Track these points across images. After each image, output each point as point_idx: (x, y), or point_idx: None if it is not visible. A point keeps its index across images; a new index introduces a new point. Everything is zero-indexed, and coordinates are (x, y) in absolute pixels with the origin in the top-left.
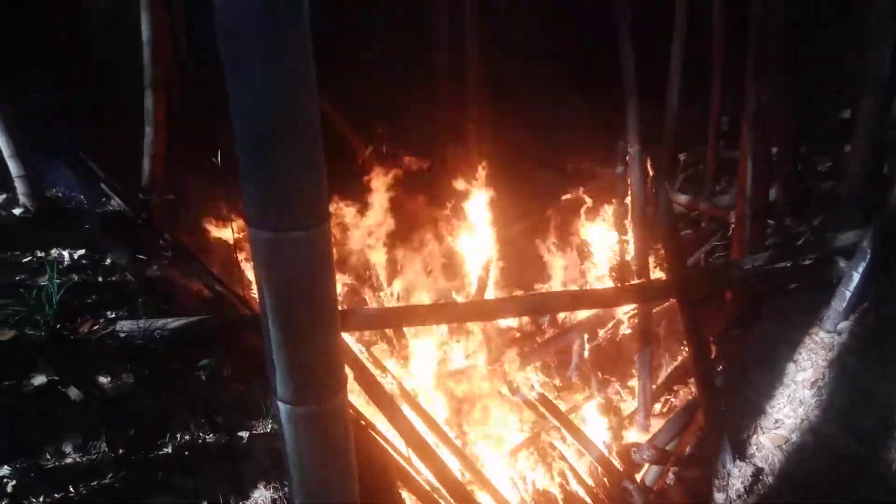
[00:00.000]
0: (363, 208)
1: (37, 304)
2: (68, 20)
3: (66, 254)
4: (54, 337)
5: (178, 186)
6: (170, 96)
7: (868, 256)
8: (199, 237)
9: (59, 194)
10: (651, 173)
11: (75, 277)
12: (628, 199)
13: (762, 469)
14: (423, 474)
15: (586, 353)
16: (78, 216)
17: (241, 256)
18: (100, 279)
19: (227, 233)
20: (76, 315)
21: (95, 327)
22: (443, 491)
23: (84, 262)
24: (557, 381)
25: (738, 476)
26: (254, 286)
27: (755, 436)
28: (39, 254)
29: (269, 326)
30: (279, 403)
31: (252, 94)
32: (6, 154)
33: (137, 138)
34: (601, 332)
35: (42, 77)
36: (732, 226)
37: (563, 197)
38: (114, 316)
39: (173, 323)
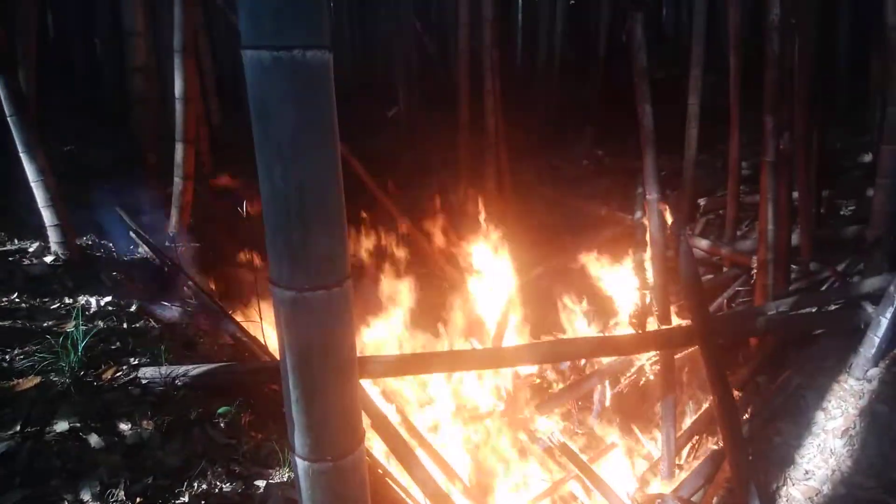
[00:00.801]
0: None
1: (62, 351)
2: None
3: (93, 301)
4: (78, 383)
5: (204, 236)
6: (199, 150)
7: None
8: (222, 285)
9: (90, 242)
10: (670, 220)
11: (101, 324)
12: (647, 243)
13: None
14: None
15: (608, 400)
16: (106, 264)
17: (262, 305)
18: (124, 325)
19: (249, 280)
20: (100, 361)
21: (118, 374)
22: None
23: (110, 308)
24: (579, 429)
25: None
26: (274, 335)
27: (785, 487)
28: (67, 300)
29: (288, 383)
30: (297, 459)
31: (279, 161)
32: (41, 203)
33: (167, 190)
34: (623, 379)
35: (94, 134)
36: (755, 271)
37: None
38: (136, 363)
39: (194, 370)
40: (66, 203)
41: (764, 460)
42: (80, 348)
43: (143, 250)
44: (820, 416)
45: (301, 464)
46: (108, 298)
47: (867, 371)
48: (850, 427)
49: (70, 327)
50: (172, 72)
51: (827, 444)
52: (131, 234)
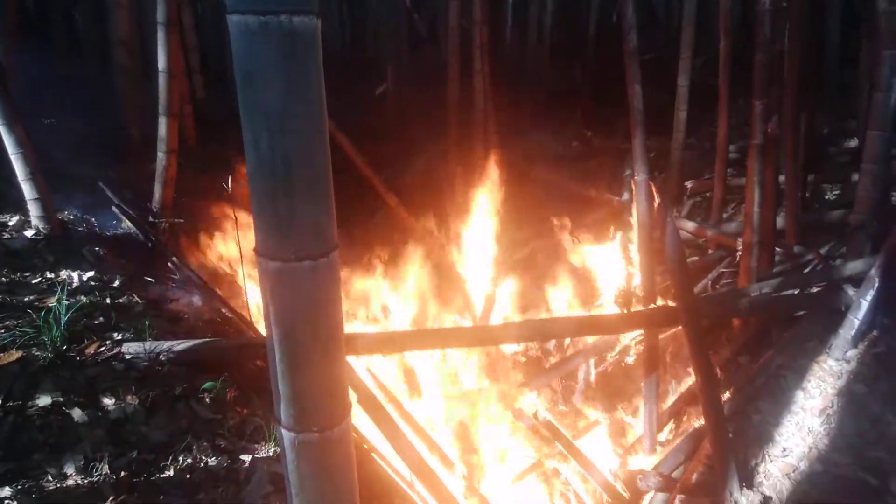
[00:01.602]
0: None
1: (44, 326)
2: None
3: (75, 276)
4: (60, 358)
5: (188, 211)
6: (183, 125)
7: (876, 285)
8: (207, 260)
9: (72, 217)
10: (657, 200)
11: (83, 299)
12: (634, 225)
13: (770, 498)
14: (426, 500)
15: (592, 379)
16: (89, 239)
17: (247, 280)
18: (107, 301)
19: (234, 255)
20: (83, 336)
21: (102, 349)
22: None
23: (93, 283)
24: (563, 407)
25: None
26: (260, 309)
27: (763, 464)
28: (49, 275)
29: (274, 354)
30: (283, 430)
31: (266, 130)
32: (21, 177)
33: (150, 166)
34: (608, 358)
35: (75, 108)
36: (739, 253)
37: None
38: (120, 338)
39: (179, 345)
40: (46, 177)
41: (743, 438)
42: (62, 323)
43: (127, 225)
44: (799, 395)
45: (287, 435)
46: (91, 273)
47: (846, 352)
48: (828, 406)
49: (52, 302)
50: (156, 46)
51: (805, 422)
52: (114, 208)
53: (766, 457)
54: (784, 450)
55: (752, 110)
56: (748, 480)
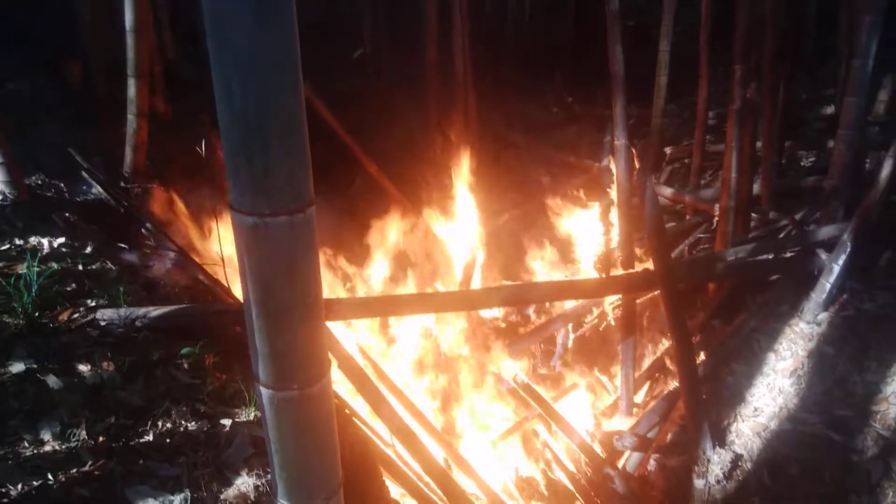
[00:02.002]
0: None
1: (14, 292)
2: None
3: (45, 242)
4: (33, 325)
5: (160, 176)
6: (154, 86)
7: (848, 250)
8: (181, 226)
9: (39, 182)
10: (637, 165)
11: (55, 265)
12: (614, 191)
13: (741, 456)
14: (407, 461)
15: (570, 343)
16: (58, 205)
17: (223, 245)
18: (80, 267)
19: (209, 221)
20: (55, 303)
21: (75, 315)
22: (426, 478)
23: (64, 250)
24: (542, 371)
25: (717, 462)
26: (236, 276)
27: (735, 423)
28: (18, 242)
29: (251, 311)
30: (261, 388)
31: (237, 74)
32: None
33: (121, 129)
34: (586, 321)
35: (33, 69)
36: (716, 218)
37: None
38: (94, 304)
39: (154, 311)
40: (10, 141)
41: (717, 399)
42: (33, 290)
43: (98, 191)
44: (771, 357)
45: (266, 392)
46: (62, 240)
47: (817, 315)
48: (798, 367)
49: (22, 269)
50: (122, 1)
51: (776, 383)
52: (84, 173)
53: (738, 417)
54: (755, 410)
55: (732, 75)
56: (720, 439)
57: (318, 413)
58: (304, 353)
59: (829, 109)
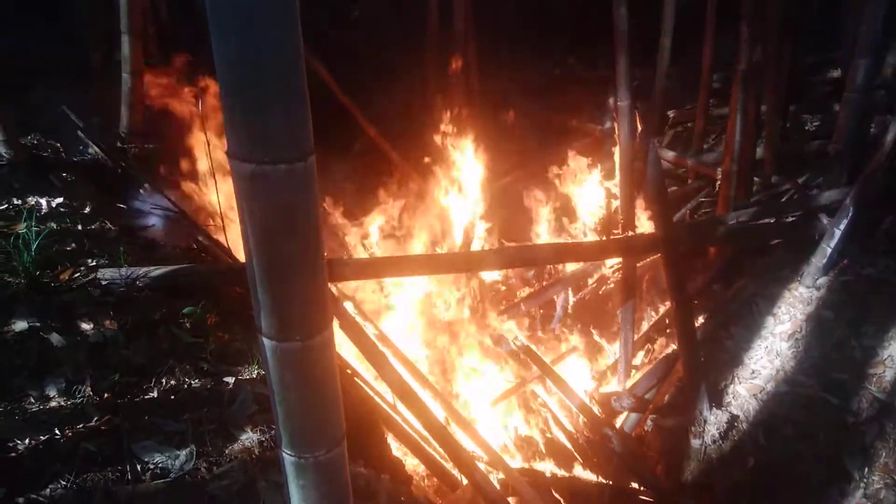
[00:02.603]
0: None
1: (14, 251)
2: None
3: (43, 202)
4: (34, 284)
5: (158, 135)
6: (148, 43)
7: (850, 214)
8: (181, 187)
9: (35, 142)
10: (640, 127)
11: (53, 225)
12: (616, 154)
13: (737, 416)
14: (408, 420)
15: (570, 307)
16: (55, 165)
17: (223, 207)
18: (79, 227)
19: (208, 183)
20: (55, 263)
21: (76, 275)
22: (428, 437)
23: (62, 210)
24: (541, 334)
25: (713, 423)
26: (236, 237)
27: (732, 385)
28: (16, 201)
29: (252, 262)
30: (264, 339)
31: (235, 18)
32: None
33: (116, 89)
34: (589, 284)
35: (33, 28)
36: (719, 182)
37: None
38: (94, 264)
39: (156, 271)
40: (6, 101)
41: (715, 361)
42: (32, 249)
43: (94, 151)
44: (770, 321)
45: (268, 343)
46: (60, 200)
47: (817, 279)
48: (796, 331)
49: (21, 228)
50: None
51: (774, 346)
52: (80, 133)
53: (736, 379)
54: (753, 372)
55: (739, 35)
56: (717, 401)
57: (320, 364)
58: (306, 303)
59: (836, 73)
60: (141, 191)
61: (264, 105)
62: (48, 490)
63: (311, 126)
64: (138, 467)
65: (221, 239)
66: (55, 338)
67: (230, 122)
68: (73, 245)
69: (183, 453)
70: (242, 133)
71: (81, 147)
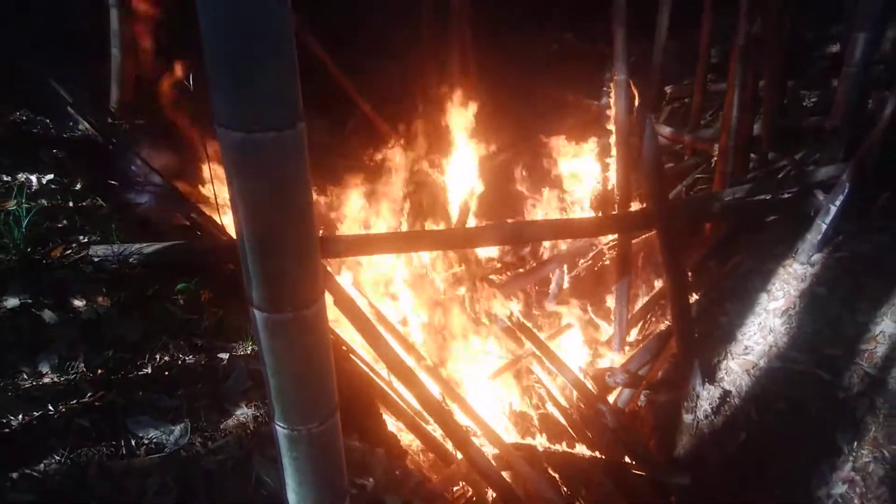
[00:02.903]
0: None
1: (4, 228)
2: None
3: (33, 178)
4: (25, 261)
5: (148, 110)
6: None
7: (846, 190)
8: (173, 163)
9: (24, 118)
10: (636, 102)
11: (44, 202)
12: (612, 129)
13: (730, 392)
14: (403, 396)
15: (566, 284)
16: (45, 141)
17: (216, 183)
18: (70, 204)
19: (200, 158)
20: (47, 240)
21: (68, 252)
22: (422, 412)
23: (53, 187)
24: (537, 311)
25: (706, 398)
26: (230, 213)
27: (725, 361)
28: (5, 178)
29: (243, 232)
30: (255, 312)
31: None
32: None
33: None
34: (581, 262)
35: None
36: (715, 159)
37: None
38: (86, 241)
39: (148, 248)
40: None
41: (709, 338)
42: (23, 226)
43: (85, 127)
44: (763, 297)
45: (259, 315)
46: (51, 176)
47: (812, 256)
48: (790, 307)
49: (11, 205)
50: None
51: (767, 322)
52: (69, 109)
53: (729, 355)
54: (746, 348)
55: (738, 8)
56: (710, 376)
57: (312, 336)
58: (297, 275)
59: (835, 48)
60: (132, 167)
61: (251, 68)
62: (42, 465)
63: (300, 92)
64: (133, 442)
65: (214, 215)
66: (48, 314)
67: (216, 88)
68: (65, 222)
69: (177, 429)
70: (229, 100)
71: (71, 123)
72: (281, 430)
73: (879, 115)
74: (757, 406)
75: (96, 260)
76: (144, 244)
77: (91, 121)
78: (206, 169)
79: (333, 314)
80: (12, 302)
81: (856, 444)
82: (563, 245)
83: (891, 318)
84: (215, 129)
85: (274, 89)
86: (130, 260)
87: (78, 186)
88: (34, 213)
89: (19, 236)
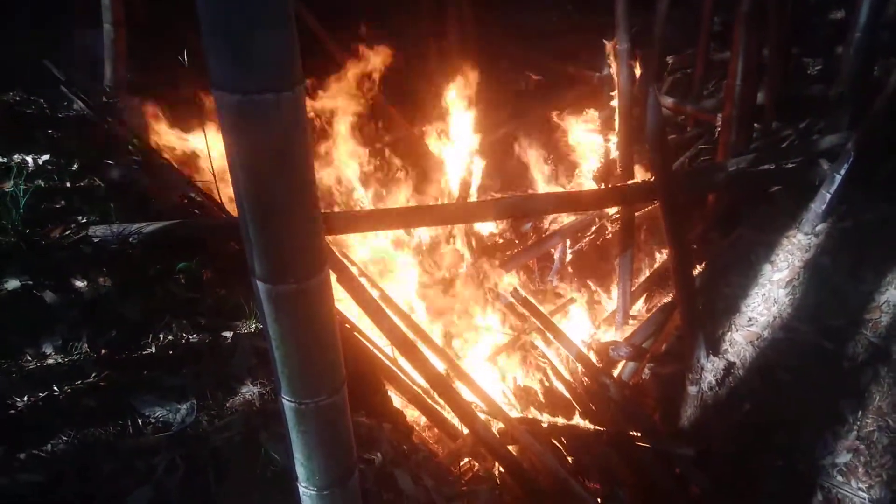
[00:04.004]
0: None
1: (2, 210)
2: None
3: (29, 159)
4: (24, 242)
5: (143, 88)
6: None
7: (851, 159)
8: (168, 141)
9: (18, 98)
10: (639, 72)
11: (41, 183)
12: (615, 101)
13: (734, 363)
14: (408, 373)
15: (568, 258)
16: (39, 121)
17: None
18: (67, 184)
19: (198, 135)
20: (45, 221)
21: (67, 233)
22: (428, 388)
23: (49, 167)
24: (539, 286)
25: (710, 370)
26: (229, 189)
27: (729, 333)
28: (1, 159)
29: (241, 200)
30: (258, 283)
31: None
32: None
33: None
34: (586, 237)
35: None
36: (718, 129)
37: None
38: (85, 221)
39: (148, 227)
40: None
41: (712, 309)
42: (21, 206)
43: (79, 106)
44: (767, 268)
45: (262, 286)
46: (47, 157)
47: (816, 226)
48: (794, 278)
49: (8, 186)
50: None
51: (771, 293)
52: (62, 88)
53: (733, 326)
54: (750, 319)
55: None
56: (714, 348)
57: (317, 308)
58: (300, 245)
59: (840, 14)
60: (129, 146)
61: (247, 27)
62: (49, 445)
63: (298, 53)
64: (139, 422)
65: (214, 193)
66: (49, 296)
67: (211, 48)
68: (63, 202)
69: (184, 407)
70: (224, 60)
71: (66, 103)
72: (288, 403)
73: (885, 83)
74: (761, 377)
75: (96, 240)
76: (144, 224)
77: (85, 99)
78: (205, 146)
79: (337, 293)
80: (13, 284)
81: (860, 413)
82: (565, 220)
83: (895, 288)
84: (212, 92)
85: (270, 49)
86: (130, 240)
87: (75, 167)
88: (31, 194)
89: (17, 218)
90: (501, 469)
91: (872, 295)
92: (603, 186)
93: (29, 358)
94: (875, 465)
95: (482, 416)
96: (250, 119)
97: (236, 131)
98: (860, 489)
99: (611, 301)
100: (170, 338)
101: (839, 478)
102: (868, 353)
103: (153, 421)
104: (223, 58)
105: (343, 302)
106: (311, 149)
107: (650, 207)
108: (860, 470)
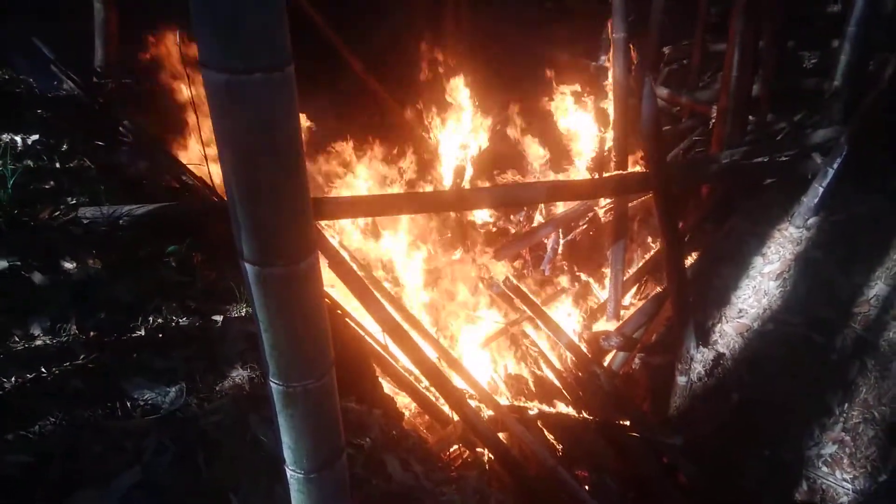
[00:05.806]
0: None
1: None
2: None
3: (18, 139)
4: (12, 222)
5: (135, 69)
6: None
7: (844, 153)
8: (162, 124)
9: (7, 78)
10: (635, 62)
11: (30, 163)
12: (609, 90)
13: (723, 354)
14: (399, 359)
15: (561, 248)
16: (29, 101)
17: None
18: (56, 165)
19: (190, 117)
20: (35, 201)
21: (56, 213)
22: (419, 375)
23: (38, 147)
24: (531, 275)
25: (700, 361)
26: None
27: (719, 324)
28: None
29: (230, 181)
30: (246, 265)
31: None
32: None
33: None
34: (580, 225)
35: None
36: (713, 121)
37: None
38: (74, 202)
39: (139, 209)
40: None
41: (703, 301)
42: (9, 186)
43: (69, 86)
44: (759, 260)
45: (251, 269)
46: (36, 137)
47: (808, 219)
48: (784, 271)
49: None
50: None
51: (762, 285)
52: (52, 67)
53: (723, 317)
54: (740, 311)
55: None
56: (704, 339)
57: (306, 291)
58: (288, 226)
59: (836, 7)
60: (120, 127)
61: (238, 4)
62: (38, 426)
63: (287, 32)
64: (128, 404)
65: (204, 176)
66: (37, 277)
67: (199, 25)
68: (52, 183)
69: (173, 390)
70: (213, 37)
71: (56, 83)
72: (276, 386)
73: (880, 77)
74: (750, 368)
75: (85, 222)
76: (134, 206)
77: (75, 79)
78: (195, 127)
79: (327, 279)
80: (1, 264)
81: (846, 405)
82: (560, 207)
83: (885, 282)
84: (200, 70)
85: (260, 29)
86: (120, 221)
87: (64, 147)
88: (20, 174)
89: (5, 197)
90: (491, 456)
91: (862, 289)
92: (597, 176)
93: (17, 339)
94: (860, 457)
95: (472, 403)
96: (239, 99)
97: (225, 112)
98: (845, 480)
99: (603, 291)
100: (160, 321)
101: (824, 468)
102: (856, 346)
103: (142, 403)
104: (209, 33)
105: (336, 288)
106: (300, 128)
107: (644, 198)
108: (845, 461)
